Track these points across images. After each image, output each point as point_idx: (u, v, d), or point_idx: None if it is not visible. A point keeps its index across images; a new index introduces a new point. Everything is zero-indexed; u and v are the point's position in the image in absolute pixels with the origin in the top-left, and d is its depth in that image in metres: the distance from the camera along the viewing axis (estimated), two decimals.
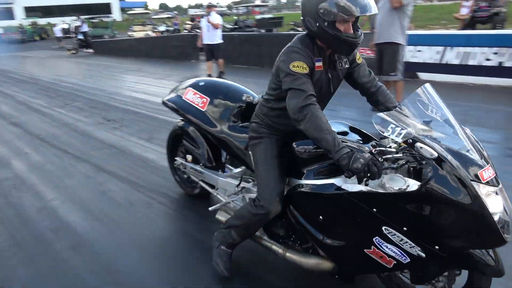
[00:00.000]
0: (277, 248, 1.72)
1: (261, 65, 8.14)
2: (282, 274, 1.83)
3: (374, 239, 1.35)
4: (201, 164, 2.24)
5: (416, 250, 1.27)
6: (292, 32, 12.66)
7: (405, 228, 1.26)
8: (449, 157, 1.17)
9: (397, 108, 1.31)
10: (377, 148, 1.31)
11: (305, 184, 1.52)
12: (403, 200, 1.23)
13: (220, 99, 2.03)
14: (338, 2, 1.32)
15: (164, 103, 2.27)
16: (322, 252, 1.56)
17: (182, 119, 2.30)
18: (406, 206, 1.23)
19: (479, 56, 5.55)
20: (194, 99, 2.11)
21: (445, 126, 1.25)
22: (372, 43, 4.12)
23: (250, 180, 1.97)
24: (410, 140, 1.20)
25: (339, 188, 1.40)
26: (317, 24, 1.39)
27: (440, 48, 5.87)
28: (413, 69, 5.95)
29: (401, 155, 1.27)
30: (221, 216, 1.95)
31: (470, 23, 9.31)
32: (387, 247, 1.33)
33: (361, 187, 1.33)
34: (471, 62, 5.61)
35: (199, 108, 2.06)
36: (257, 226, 1.67)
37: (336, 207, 1.43)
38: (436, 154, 1.15)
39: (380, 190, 1.27)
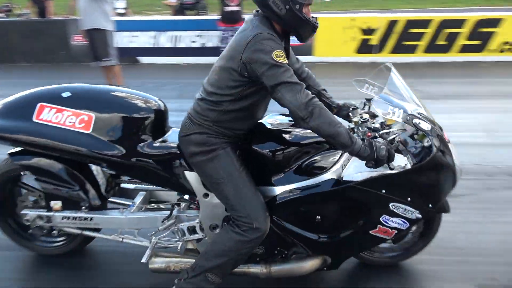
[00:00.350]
0: (256, 269, 1.55)
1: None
2: None
3: (381, 218, 1.42)
4: (84, 207, 1.69)
5: (415, 214, 1.40)
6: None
7: (409, 199, 1.39)
8: (437, 126, 1.39)
9: (385, 90, 1.41)
10: (381, 132, 1.38)
11: (293, 189, 1.43)
12: (410, 175, 1.35)
13: (111, 112, 1.54)
14: None
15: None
16: (313, 251, 1.51)
17: (16, 153, 1.66)
18: (412, 179, 1.36)
19: (187, 39, 6.57)
20: (60, 119, 1.53)
21: (413, 100, 1.44)
22: (81, 30, 4.14)
23: (181, 205, 1.67)
24: (408, 117, 1.33)
25: (338, 181, 1.39)
26: (287, 7, 1.27)
27: (154, 33, 6.54)
28: (132, 54, 6.42)
29: (395, 134, 1.38)
30: (158, 264, 1.59)
31: (179, 9, 10.77)
32: (392, 221, 1.42)
33: (371, 174, 1.36)
34: (181, 45, 6.58)
35: (77, 130, 1.52)
36: (248, 255, 1.43)
37: (339, 202, 1.43)
38: (430, 127, 1.33)
39: (389, 172, 1.35)
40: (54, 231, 1.76)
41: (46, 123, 1.52)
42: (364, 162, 1.32)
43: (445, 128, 1.51)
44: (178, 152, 1.52)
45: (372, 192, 1.40)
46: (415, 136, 1.45)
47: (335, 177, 1.44)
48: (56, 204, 1.69)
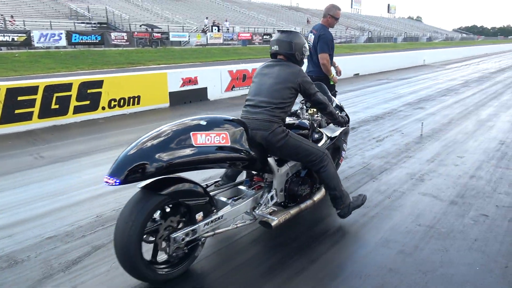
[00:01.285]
0: (309, 203, 3.04)
1: None
2: None
3: (342, 152, 3.64)
4: (215, 210, 2.54)
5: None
6: None
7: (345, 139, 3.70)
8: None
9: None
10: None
11: (334, 136, 3.49)
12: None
13: (228, 127, 2.45)
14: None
15: (174, 165, 2.17)
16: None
17: (151, 185, 2.23)
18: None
19: None
20: (212, 141, 2.34)
21: None
22: None
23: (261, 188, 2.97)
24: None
25: (331, 137, 3.46)
26: (302, 56, 2.92)
27: None
28: None
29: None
30: (276, 221, 2.72)
31: None
32: (343, 152, 3.68)
33: (336, 132, 3.53)
34: None
35: (224, 145, 2.39)
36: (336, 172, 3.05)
37: (333, 146, 3.48)
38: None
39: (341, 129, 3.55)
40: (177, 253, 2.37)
41: (205, 145, 2.32)
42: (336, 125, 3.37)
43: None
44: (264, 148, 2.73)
45: (340, 139, 3.55)
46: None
47: (329, 135, 3.43)
48: (199, 215, 2.43)
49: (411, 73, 15.97)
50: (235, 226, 2.66)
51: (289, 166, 2.95)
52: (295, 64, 2.87)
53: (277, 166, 2.84)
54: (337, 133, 3.50)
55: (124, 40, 27.09)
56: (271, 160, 2.79)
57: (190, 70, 9.29)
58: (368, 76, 15.31)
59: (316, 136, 3.31)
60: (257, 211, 2.76)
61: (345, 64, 15.12)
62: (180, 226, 2.37)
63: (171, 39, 30.51)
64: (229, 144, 2.40)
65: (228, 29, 39.16)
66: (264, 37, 39.35)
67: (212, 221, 2.47)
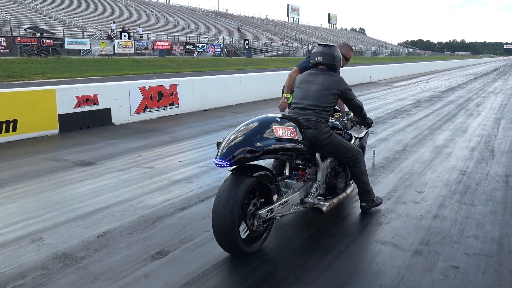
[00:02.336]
0: (342, 195, 4.13)
1: None
2: None
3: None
4: (283, 194, 3.62)
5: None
6: None
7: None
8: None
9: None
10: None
11: (360, 137, 4.72)
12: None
13: (292, 124, 3.48)
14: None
15: (267, 151, 3.19)
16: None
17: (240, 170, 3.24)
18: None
19: None
20: (286, 134, 3.36)
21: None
22: None
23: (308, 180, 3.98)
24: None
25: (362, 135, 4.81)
26: (341, 66, 4.14)
27: None
28: None
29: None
30: (326, 207, 3.76)
31: None
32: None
33: (361, 133, 4.78)
34: None
35: (295, 138, 3.46)
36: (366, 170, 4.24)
37: (361, 144, 4.80)
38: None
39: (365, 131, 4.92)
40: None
41: (284, 137, 3.34)
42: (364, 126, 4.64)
43: None
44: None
45: (364, 139, 4.84)
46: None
47: (356, 136, 4.55)
48: (275, 197, 3.41)
49: (357, 91, 16.77)
50: (294, 211, 3.74)
51: (328, 162, 4.05)
52: (335, 73, 4.03)
53: (321, 160, 3.93)
54: (362, 134, 4.78)
55: (3, 47, 25.27)
56: (317, 155, 3.89)
57: (89, 86, 8.78)
58: None
59: (347, 136, 4.44)
60: (309, 199, 3.83)
61: (284, 80, 15.47)
62: (259, 206, 3.37)
63: (67, 46, 29.15)
64: (296, 138, 3.48)
65: (141, 36, 38.61)
66: (187, 47, 39.38)
67: (282, 203, 3.49)
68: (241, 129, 3.24)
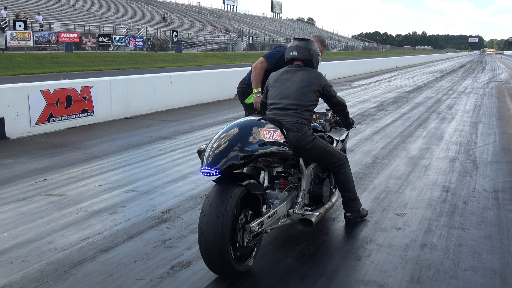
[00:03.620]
0: (328, 205, 4.42)
1: None
2: None
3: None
4: (271, 205, 3.87)
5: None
6: None
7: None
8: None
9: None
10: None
11: (342, 139, 5.02)
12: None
13: (275, 126, 3.65)
14: None
15: (257, 156, 3.37)
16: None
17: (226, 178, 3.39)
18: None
19: None
20: (273, 136, 3.56)
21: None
22: None
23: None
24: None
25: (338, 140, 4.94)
26: (317, 63, 4.36)
27: None
28: None
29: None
30: (315, 218, 4.06)
31: None
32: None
33: (342, 136, 5.10)
34: None
35: (281, 141, 3.63)
36: (351, 177, 4.53)
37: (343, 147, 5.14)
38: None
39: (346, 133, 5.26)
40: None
41: (271, 140, 3.52)
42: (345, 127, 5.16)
43: None
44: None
45: (346, 141, 5.23)
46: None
47: (338, 138, 4.93)
48: (264, 208, 3.64)
49: None
50: (282, 224, 3.96)
51: (312, 168, 4.31)
52: (314, 69, 4.32)
53: (304, 165, 4.16)
54: (343, 136, 5.11)
55: None
56: (301, 160, 4.10)
57: None
58: None
59: (328, 139, 4.73)
60: (296, 210, 4.06)
61: (223, 81, 15.33)
62: (248, 219, 3.53)
63: None
64: (282, 141, 3.66)
65: (42, 27, 37.13)
66: (101, 39, 38.33)
67: (271, 215, 3.70)
68: (223, 135, 3.39)
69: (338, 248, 4.10)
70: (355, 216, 4.52)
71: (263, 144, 3.45)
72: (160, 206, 5.07)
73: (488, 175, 6.47)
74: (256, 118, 3.68)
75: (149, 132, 9.46)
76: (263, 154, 3.43)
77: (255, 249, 3.66)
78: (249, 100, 5.38)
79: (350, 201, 4.47)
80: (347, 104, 4.69)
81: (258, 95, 5.14)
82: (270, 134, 3.55)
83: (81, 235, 4.27)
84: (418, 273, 3.64)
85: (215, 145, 3.30)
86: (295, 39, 4.43)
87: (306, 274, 3.63)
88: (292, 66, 4.33)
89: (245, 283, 3.50)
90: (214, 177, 3.33)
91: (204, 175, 3.26)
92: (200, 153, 3.44)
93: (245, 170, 4.25)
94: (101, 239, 4.21)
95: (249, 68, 5.53)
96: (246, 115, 5.32)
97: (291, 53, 4.30)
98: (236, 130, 3.43)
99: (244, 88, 5.55)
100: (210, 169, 3.20)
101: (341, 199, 4.56)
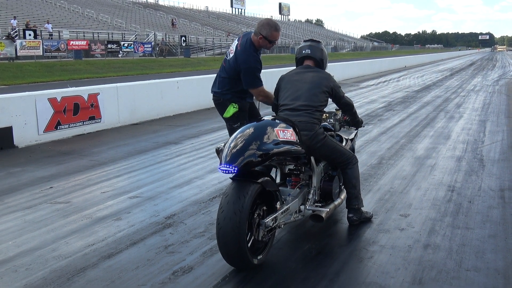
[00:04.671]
0: (338, 201, 4.53)
1: None
2: None
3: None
4: (284, 201, 4.04)
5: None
6: None
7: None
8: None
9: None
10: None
11: (351, 138, 5.16)
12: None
13: (289, 125, 3.87)
14: None
15: (273, 154, 3.57)
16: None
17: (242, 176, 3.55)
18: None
19: None
20: (286, 136, 3.73)
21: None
22: None
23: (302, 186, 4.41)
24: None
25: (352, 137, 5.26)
26: (327, 61, 4.66)
27: None
28: None
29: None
30: (325, 213, 4.14)
31: None
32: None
33: (351, 135, 5.21)
34: None
35: (294, 140, 3.82)
36: (359, 176, 4.64)
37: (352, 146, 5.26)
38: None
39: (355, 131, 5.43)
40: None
41: (286, 139, 3.70)
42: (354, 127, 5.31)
43: None
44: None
45: (354, 140, 5.37)
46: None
47: (347, 137, 5.03)
48: (278, 204, 3.81)
49: None
50: (294, 219, 4.13)
51: (322, 166, 4.48)
52: (323, 71, 4.51)
53: (315, 163, 4.32)
54: (352, 135, 5.23)
55: None
56: (312, 158, 4.24)
57: None
58: None
59: (337, 138, 4.85)
60: (308, 206, 4.25)
61: None
62: (263, 214, 3.73)
63: None
64: (296, 140, 3.84)
65: (51, 35, 37.47)
66: (110, 46, 38.58)
67: (284, 211, 3.87)
68: (239, 135, 3.59)
69: (340, 250, 4.09)
70: (358, 217, 4.55)
71: (278, 143, 3.64)
72: (164, 211, 5.09)
73: (494, 173, 6.42)
74: (270, 118, 3.90)
75: (156, 138, 9.50)
76: (278, 152, 3.63)
77: (270, 243, 3.84)
78: (228, 113, 5.09)
79: (354, 198, 4.53)
80: (354, 104, 4.79)
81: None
82: (284, 133, 3.75)
83: (85, 242, 4.31)
84: (420, 274, 3.62)
85: (232, 145, 3.50)
86: (305, 41, 4.64)
87: (308, 277, 3.63)
88: (302, 68, 4.50)
89: (247, 286, 3.52)
90: (231, 175, 3.54)
91: (222, 172, 3.45)
92: (219, 152, 3.65)
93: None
94: (104, 245, 4.24)
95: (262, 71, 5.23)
96: (229, 129, 5.16)
97: (303, 51, 4.49)
98: (251, 130, 3.63)
99: (221, 101, 5.17)
100: (228, 167, 3.40)
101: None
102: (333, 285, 3.50)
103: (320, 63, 4.52)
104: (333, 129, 4.86)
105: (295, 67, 4.69)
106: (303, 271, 3.73)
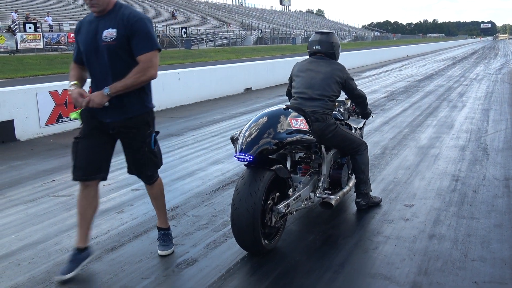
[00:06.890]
0: (346, 189, 4.62)
1: None
2: None
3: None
4: (296, 188, 4.12)
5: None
6: None
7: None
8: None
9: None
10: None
11: (360, 127, 5.32)
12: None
13: (301, 114, 4.04)
14: None
15: (287, 143, 3.72)
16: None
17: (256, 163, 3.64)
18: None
19: None
20: (299, 125, 3.90)
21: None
22: None
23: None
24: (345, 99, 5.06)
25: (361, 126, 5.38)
26: (339, 52, 4.66)
27: None
28: None
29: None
30: (334, 200, 4.24)
31: None
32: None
33: (360, 124, 5.32)
34: None
35: (307, 130, 3.98)
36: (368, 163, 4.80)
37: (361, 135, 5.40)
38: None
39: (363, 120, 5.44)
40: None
41: (299, 128, 3.86)
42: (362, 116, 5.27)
43: None
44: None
45: (363, 128, 5.49)
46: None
47: (356, 126, 5.16)
48: (290, 190, 3.92)
49: None
50: (305, 206, 4.22)
51: (332, 154, 4.56)
52: (337, 62, 4.57)
53: (325, 151, 4.41)
54: (361, 124, 5.34)
55: None
56: (322, 147, 4.34)
57: None
58: (265, 91, 15.67)
59: (347, 127, 4.92)
60: (318, 194, 4.33)
61: (231, 76, 15.30)
62: (276, 200, 3.81)
63: None
64: (308, 129, 4.00)
65: (51, 28, 37.33)
66: None
67: (296, 198, 3.98)
68: (253, 124, 3.73)
69: (345, 241, 4.06)
70: (366, 202, 4.66)
71: (291, 132, 3.79)
72: (167, 203, 5.02)
73: (499, 162, 6.38)
74: (282, 107, 4.03)
75: (158, 129, 9.45)
76: (291, 141, 3.78)
77: (281, 229, 3.95)
78: (73, 115, 3.76)
79: (362, 183, 4.63)
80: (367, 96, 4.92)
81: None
82: (297, 122, 3.90)
83: None
84: (426, 265, 3.59)
85: (247, 134, 3.65)
86: (316, 32, 4.68)
87: (312, 269, 3.60)
88: (316, 57, 4.58)
89: (251, 278, 3.51)
90: (246, 162, 3.63)
91: (238, 160, 3.61)
92: (234, 140, 3.79)
93: None
94: (107, 238, 4.22)
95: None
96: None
97: (314, 47, 4.54)
98: (265, 119, 3.79)
99: None
100: (244, 155, 3.54)
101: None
102: (338, 277, 3.48)
103: (331, 56, 4.59)
104: (342, 118, 4.90)
105: (299, 58, 4.87)
106: (307, 263, 3.71)
